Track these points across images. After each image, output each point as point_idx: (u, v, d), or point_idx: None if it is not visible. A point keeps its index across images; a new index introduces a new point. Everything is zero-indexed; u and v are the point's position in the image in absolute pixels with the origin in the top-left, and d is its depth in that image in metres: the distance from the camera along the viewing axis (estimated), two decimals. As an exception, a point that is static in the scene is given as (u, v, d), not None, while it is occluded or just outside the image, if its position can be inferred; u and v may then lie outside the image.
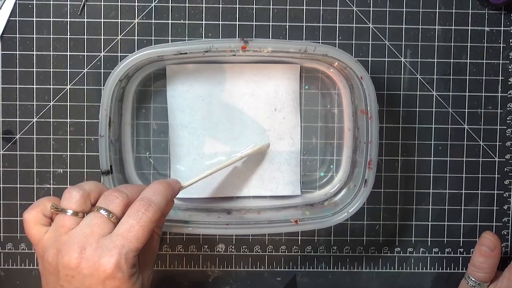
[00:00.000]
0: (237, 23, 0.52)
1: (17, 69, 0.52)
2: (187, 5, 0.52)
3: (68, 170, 0.52)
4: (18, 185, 0.52)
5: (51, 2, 0.52)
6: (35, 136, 0.52)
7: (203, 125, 0.51)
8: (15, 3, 0.51)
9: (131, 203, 0.40)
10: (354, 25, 0.52)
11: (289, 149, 0.52)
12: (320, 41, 0.52)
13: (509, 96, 0.53)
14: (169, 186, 0.42)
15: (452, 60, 0.53)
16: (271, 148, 0.52)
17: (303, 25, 0.52)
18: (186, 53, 0.46)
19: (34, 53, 0.52)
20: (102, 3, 0.52)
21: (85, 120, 0.52)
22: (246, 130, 0.51)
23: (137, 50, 0.47)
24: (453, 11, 0.53)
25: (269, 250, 0.54)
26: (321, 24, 0.52)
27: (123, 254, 0.37)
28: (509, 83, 0.53)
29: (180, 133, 0.51)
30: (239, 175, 0.52)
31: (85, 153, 0.52)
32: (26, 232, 0.40)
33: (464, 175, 0.54)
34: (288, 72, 0.51)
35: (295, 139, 0.52)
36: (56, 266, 0.38)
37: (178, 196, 0.51)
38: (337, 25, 0.52)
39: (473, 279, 0.50)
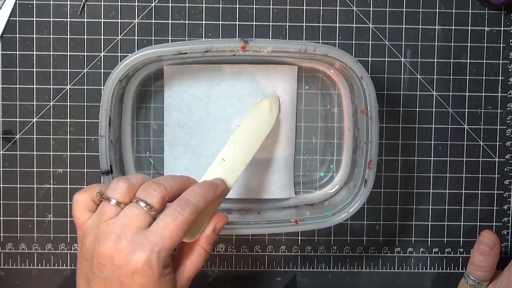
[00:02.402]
0: (237, 23, 0.52)
1: (17, 69, 0.52)
2: (187, 5, 0.52)
3: (68, 170, 0.52)
4: (18, 185, 0.52)
5: (51, 2, 0.52)
6: (35, 136, 0.52)
7: (200, 125, 0.51)
8: (15, 3, 0.51)
9: (170, 196, 0.40)
10: (354, 25, 0.52)
11: (285, 151, 0.52)
12: (320, 41, 0.52)
13: (509, 96, 0.53)
14: (210, 187, 0.42)
15: (452, 60, 0.53)
16: (269, 150, 0.52)
17: (303, 25, 0.52)
18: (186, 53, 0.46)
19: (34, 53, 0.52)
20: (102, 3, 0.52)
21: (85, 120, 0.52)
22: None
23: (137, 50, 0.47)
24: (453, 11, 0.53)
25: (269, 250, 0.54)
26: (321, 24, 0.52)
27: (155, 252, 0.37)
28: (509, 83, 0.53)
29: (176, 133, 0.51)
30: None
31: (85, 153, 0.52)
32: (73, 213, 0.40)
33: (464, 175, 0.54)
34: (287, 73, 0.51)
35: (291, 141, 0.52)
36: (92, 252, 0.38)
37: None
38: (337, 25, 0.52)
39: (472, 278, 0.50)
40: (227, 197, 0.51)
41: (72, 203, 0.40)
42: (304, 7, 0.52)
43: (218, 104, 0.51)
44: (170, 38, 0.52)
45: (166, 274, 0.38)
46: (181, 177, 0.43)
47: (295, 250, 0.54)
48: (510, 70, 0.53)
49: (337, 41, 0.52)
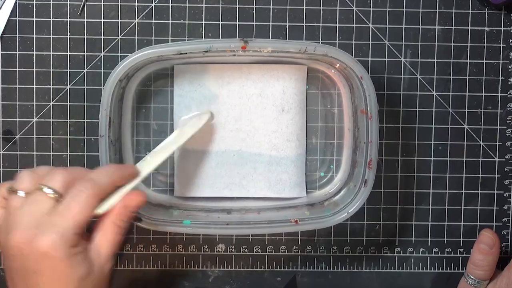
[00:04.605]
0: (237, 23, 0.52)
1: (17, 69, 0.52)
2: (187, 5, 0.52)
3: (68, 170, 0.52)
4: (18, 185, 0.52)
5: (51, 2, 0.52)
6: (35, 136, 0.52)
7: (210, 125, 0.51)
8: (15, 3, 0.51)
9: (74, 178, 0.40)
10: (354, 25, 0.52)
11: (295, 151, 0.52)
12: (320, 41, 0.52)
13: (509, 96, 0.53)
14: (115, 167, 0.42)
15: (452, 60, 0.53)
16: (279, 150, 0.52)
17: (303, 25, 0.52)
18: (186, 53, 0.46)
19: (34, 53, 0.52)
20: (102, 3, 0.52)
21: (85, 120, 0.52)
22: (254, 131, 0.51)
23: (137, 50, 0.47)
24: (453, 11, 0.53)
25: (269, 250, 0.54)
26: (321, 24, 0.52)
27: (59, 233, 0.37)
28: (509, 83, 0.53)
29: None
30: (246, 176, 0.52)
31: (85, 153, 0.52)
32: None
33: (464, 175, 0.54)
34: (296, 73, 0.51)
35: (301, 140, 0.52)
36: (5, 246, 0.38)
37: (184, 195, 0.52)
38: (337, 25, 0.52)
39: (472, 277, 0.50)
40: (231, 195, 0.52)
41: None
42: (304, 7, 0.52)
43: (228, 104, 0.51)
44: (170, 38, 0.52)
45: (76, 253, 0.38)
46: (88, 169, 0.42)
47: (295, 250, 0.54)
48: (510, 70, 0.53)
49: (337, 41, 0.52)
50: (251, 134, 0.51)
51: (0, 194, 0.41)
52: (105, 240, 0.40)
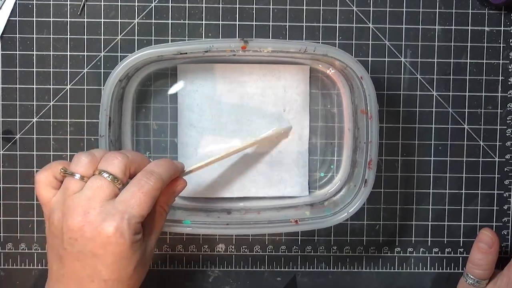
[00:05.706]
0: (237, 23, 0.52)
1: (17, 69, 0.52)
2: (187, 5, 0.52)
3: (68, 170, 0.52)
4: (18, 185, 0.52)
5: (51, 2, 0.52)
6: (35, 136, 0.52)
7: (212, 125, 0.51)
8: (15, 3, 0.51)
9: (132, 165, 0.41)
10: (354, 25, 0.52)
11: (297, 150, 0.52)
12: (320, 41, 0.52)
13: (509, 96, 0.53)
14: (172, 162, 0.43)
15: (452, 60, 0.53)
16: (280, 149, 0.52)
17: (303, 25, 0.52)
18: (186, 53, 0.46)
19: (34, 53, 0.52)
20: (102, 3, 0.52)
21: (85, 120, 0.52)
22: (255, 131, 0.51)
23: (137, 50, 0.47)
24: (453, 11, 0.53)
25: (269, 250, 0.54)
26: (321, 24, 0.52)
27: (125, 219, 0.38)
28: (509, 83, 0.53)
29: (188, 133, 0.51)
30: (248, 175, 0.52)
31: (85, 153, 0.52)
32: (36, 193, 0.41)
33: (464, 175, 0.54)
34: (299, 73, 0.51)
35: (303, 140, 0.52)
36: (61, 229, 0.39)
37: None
38: (337, 25, 0.52)
39: (471, 276, 0.50)
40: (231, 196, 0.52)
41: (35, 182, 0.41)
42: (304, 7, 0.52)
43: (229, 104, 0.51)
44: (170, 38, 0.52)
45: (138, 240, 0.39)
46: (141, 154, 0.44)
47: (295, 250, 0.54)
48: (510, 70, 0.53)
49: (337, 41, 0.52)
50: (253, 134, 0.52)
51: (52, 173, 0.41)
52: (155, 225, 0.42)
